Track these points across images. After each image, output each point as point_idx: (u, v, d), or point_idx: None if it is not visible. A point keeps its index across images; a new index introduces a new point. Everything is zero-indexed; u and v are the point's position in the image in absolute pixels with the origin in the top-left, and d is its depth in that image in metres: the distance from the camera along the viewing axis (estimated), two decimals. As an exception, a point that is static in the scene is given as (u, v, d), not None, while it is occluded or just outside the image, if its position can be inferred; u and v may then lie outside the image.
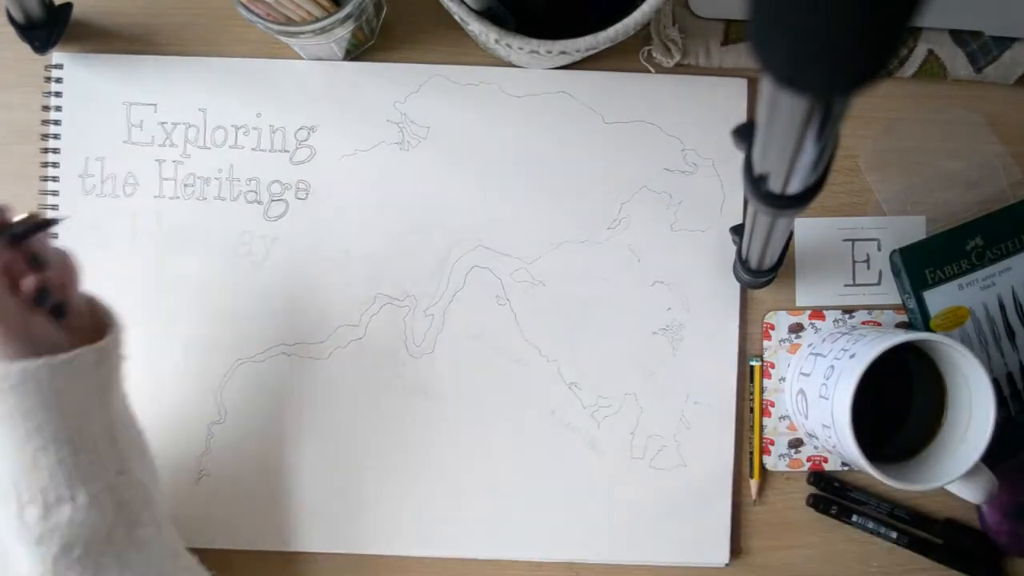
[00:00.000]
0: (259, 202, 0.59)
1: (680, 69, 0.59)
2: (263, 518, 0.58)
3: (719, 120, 0.59)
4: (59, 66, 0.59)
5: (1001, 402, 0.57)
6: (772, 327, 0.60)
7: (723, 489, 0.59)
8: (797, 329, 0.60)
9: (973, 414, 0.52)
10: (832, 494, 0.59)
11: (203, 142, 0.59)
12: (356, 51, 0.59)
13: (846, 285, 0.60)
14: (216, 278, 0.59)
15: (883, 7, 0.22)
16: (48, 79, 0.59)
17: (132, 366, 0.58)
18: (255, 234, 0.59)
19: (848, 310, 0.60)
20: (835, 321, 0.60)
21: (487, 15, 0.49)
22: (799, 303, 0.60)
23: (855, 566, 0.60)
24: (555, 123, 0.59)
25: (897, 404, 0.56)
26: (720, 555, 0.59)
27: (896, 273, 0.59)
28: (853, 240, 0.60)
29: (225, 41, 0.59)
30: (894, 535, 0.59)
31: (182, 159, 0.59)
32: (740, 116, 0.60)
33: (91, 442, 0.47)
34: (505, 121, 0.59)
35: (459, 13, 0.48)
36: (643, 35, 0.58)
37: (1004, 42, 0.58)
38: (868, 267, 0.60)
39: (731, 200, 0.59)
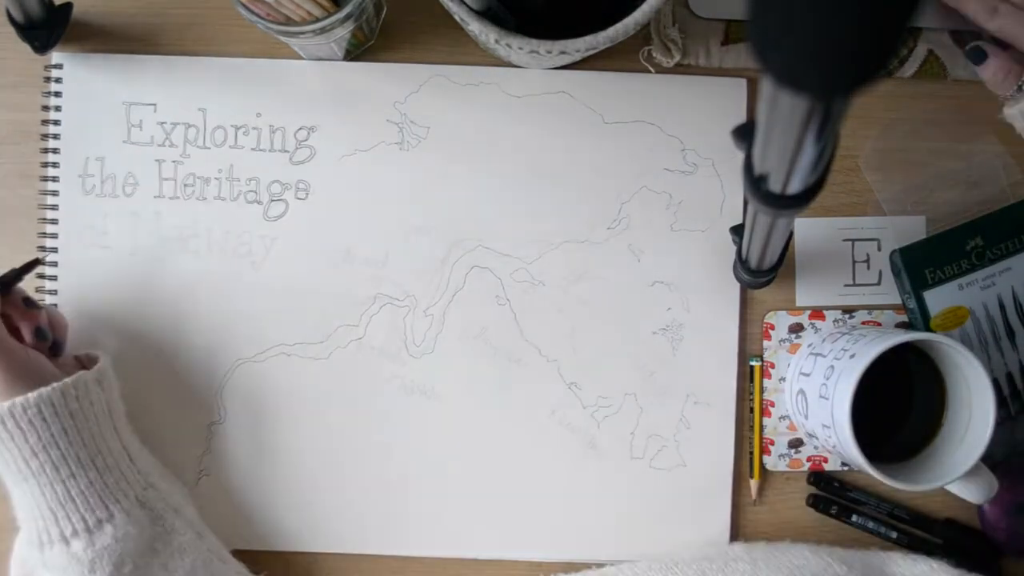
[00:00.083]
0: (259, 202, 0.59)
1: (680, 69, 0.59)
2: (263, 518, 0.58)
3: (719, 120, 0.59)
4: (59, 66, 0.59)
5: (1001, 402, 0.57)
6: (772, 327, 0.60)
7: (723, 489, 0.59)
8: (797, 329, 0.60)
9: (973, 414, 0.52)
10: (832, 494, 0.59)
11: (203, 142, 0.59)
12: (356, 51, 0.59)
13: (846, 285, 0.60)
14: (216, 278, 0.59)
15: (883, 7, 0.22)
16: (48, 79, 0.59)
17: (132, 366, 0.58)
18: (255, 234, 0.59)
19: (848, 310, 0.60)
20: (835, 321, 0.60)
21: (487, 15, 0.49)
22: (799, 303, 0.60)
23: (855, 566, 0.60)
24: (555, 123, 0.59)
25: (897, 404, 0.56)
26: (720, 555, 0.59)
27: (896, 273, 0.59)
28: (853, 240, 0.60)
29: (225, 41, 0.59)
30: (894, 535, 0.59)
31: (182, 159, 0.59)
32: (740, 116, 0.60)
33: (113, 461, 0.51)
34: (505, 121, 0.59)
35: (459, 13, 0.48)
36: (643, 35, 0.58)
37: (1004, 42, 0.58)
38: (868, 267, 0.60)
39: (731, 200, 0.59)
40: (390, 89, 0.59)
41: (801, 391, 0.57)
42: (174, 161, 0.59)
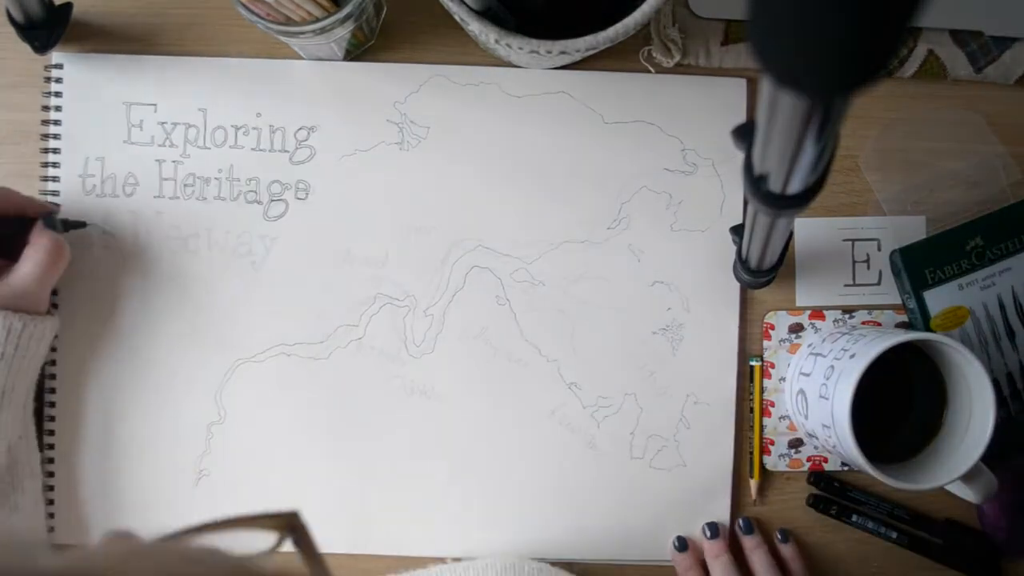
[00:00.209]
0: (259, 202, 0.59)
1: (680, 69, 0.59)
2: (263, 518, 0.58)
3: (719, 120, 0.59)
4: (59, 66, 0.59)
5: (1001, 402, 0.57)
6: (772, 327, 0.60)
7: (723, 489, 0.59)
8: (797, 329, 0.60)
9: (973, 414, 0.52)
10: (832, 494, 0.59)
11: (203, 142, 0.59)
12: (356, 51, 0.59)
13: (846, 285, 0.60)
14: (216, 278, 0.59)
15: (883, 7, 0.22)
16: (48, 79, 0.59)
17: (132, 366, 0.58)
18: (255, 234, 0.59)
19: (848, 310, 0.60)
20: (835, 321, 0.60)
21: (487, 15, 0.49)
22: (799, 303, 0.60)
23: (855, 566, 0.60)
24: (555, 123, 0.59)
25: (897, 404, 0.56)
26: (720, 555, 0.59)
27: (896, 273, 0.59)
28: (853, 240, 0.60)
29: (225, 41, 0.59)
30: (894, 535, 0.59)
31: (182, 159, 0.59)
32: (740, 116, 0.60)
33: (19, 401, 0.53)
34: (505, 121, 0.59)
35: (459, 13, 0.48)
36: (643, 35, 0.58)
37: (1004, 42, 0.58)
38: (868, 267, 0.60)
39: (731, 200, 0.59)
40: (390, 89, 0.59)
41: (801, 391, 0.57)
42: (174, 161, 0.59)
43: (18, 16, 0.55)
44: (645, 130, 0.59)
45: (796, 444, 0.59)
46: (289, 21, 0.49)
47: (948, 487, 0.52)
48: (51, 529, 0.58)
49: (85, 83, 0.59)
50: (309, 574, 0.28)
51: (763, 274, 0.54)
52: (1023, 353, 0.59)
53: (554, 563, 0.58)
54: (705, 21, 0.59)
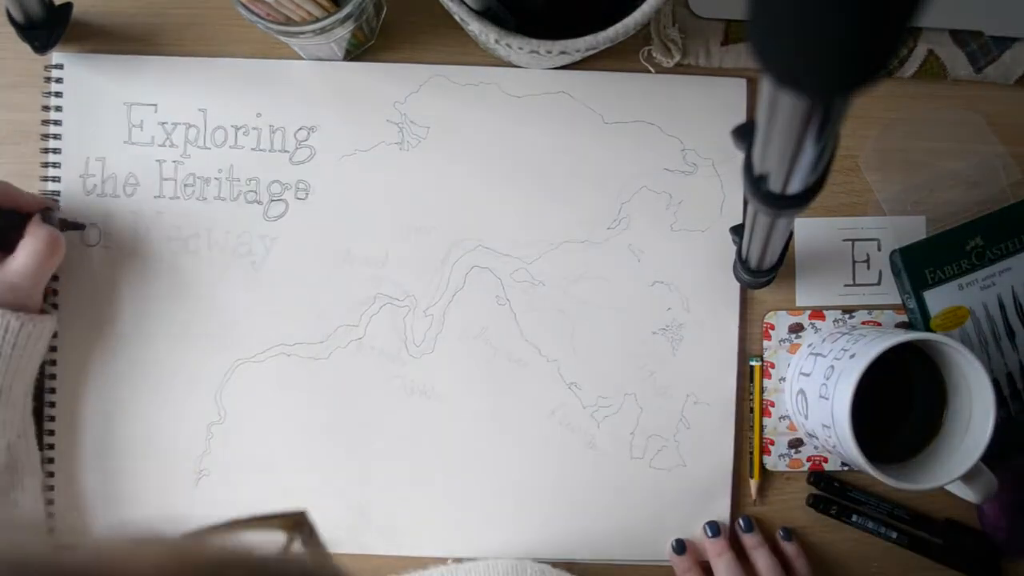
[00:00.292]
0: (259, 202, 0.59)
1: (680, 69, 0.59)
2: (263, 518, 0.58)
3: (719, 120, 0.59)
4: (59, 66, 0.59)
5: (1001, 402, 0.57)
6: (772, 327, 0.60)
7: (723, 489, 0.59)
8: (797, 329, 0.60)
9: (973, 414, 0.52)
10: (832, 494, 0.59)
11: (203, 142, 0.59)
12: (356, 51, 0.59)
13: (846, 285, 0.60)
14: (216, 278, 0.59)
15: (883, 7, 0.22)
16: (48, 79, 0.59)
17: (132, 366, 0.58)
18: (255, 234, 0.59)
19: (848, 310, 0.60)
20: (835, 321, 0.60)
21: (487, 15, 0.49)
22: (799, 303, 0.60)
23: (855, 566, 0.60)
24: (555, 123, 0.59)
25: (897, 404, 0.56)
26: (720, 555, 0.59)
27: (896, 273, 0.59)
28: (853, 240, 0.60)
29: (225, 41, 0.59)
30: (894, 535, 0.59)
31: (182, 159, 0.59)
32: (740, 116, 0.60)
33: (17, 400, 0.53)
34: (505, 121, 0.59)
35: (459, 13, 0.48)
36: (643, 35, 0.58)
37: (1004, 42, 0.58)
38: (868, 267, 0.60)
39: (731, 200, 0.59)
40: (390, 89, 0.59)
41: (801, 391, 0.57)
42: (175, 161, 0.59)
43: (18, 16, 0.55)
44: (645, 130, 0.59)
45: (796, 444, 0.59)
46: (289, 21, 0.49)
47: (948, 487, 0.52)
48: (51, 529, 0.58)
49: (85, 83, 0.59)
50: (320, 573, 0.29)
51: (763, 274, 0.54)
52: (1023, 353, 0.59)
53: (554, 563, 0.58)
54: (705, 21, 0.59)
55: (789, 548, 0.58)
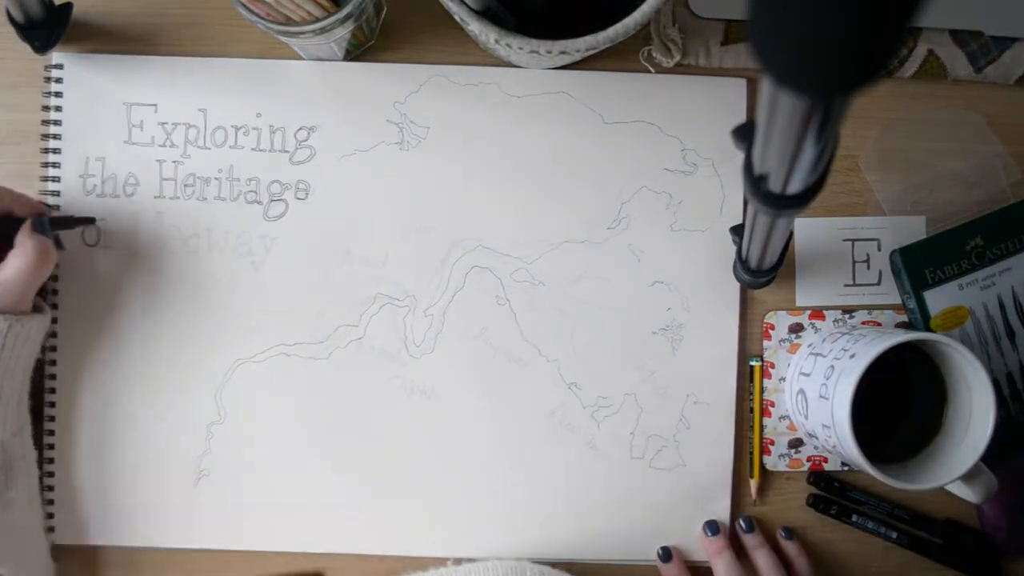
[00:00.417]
0: (259, 202, 0.59)
1: (680, 69, 0.59)
2: (263, 518, 0.58)
3: (719, 120, 0.59)
4: (59, 66, 0.59)
5: (1001, 402, 0.57)
6: (772, 327, 0.60)
7: (723, 489, 0.59)
8: (797, 329, 0.60)
9: (973, 414, 0.52)
10: (832, 494, 0.59)
11: (203, 142, 0.59)
12: (356, 51, 0.59)
13: (846, 285, 0.60)
14: (216, 278, 0.59)
15: (883, 7, 0.22)
16: (48, 79, 0.59)
17: (132, 366, 0.58)
18: (255, 234, 0.59)
19: (848, 310, 0.60)
20: (835, 321, 0.60)
21: (487, 15, 0.49)
22: (799, 303, 0.60)
23: (855, 566, 0.60)
24: (555, 123, 0.59)
25: (897, 404, 0.56)
26: (720, 555, 0.59)
27: (896, 273, 0.59)
28: (853, 240, 0.60)
29: (225, 41, 0.59)
30: (894, 535, 0.59)
31: (182, 159, 0.59)
32: (740, 116, 0.60)
33: (10, 399, 0.53)
34: (505, 121, 0.59)
35: (459, 13, 0.48)
36: (643, 35, 0.58)
37: (1004, 42, 0.58)
38: (868, 267, 0.60)
39: (731, 200, 0.59)
40: (390, 89, 0.59)
41: (801, 391, 0.57)
42: (175, 161, 0.59)
43: (18, 16, 0.55)
44: (645, 130, 0.59)
45: (796, 444, 0.59)
46: (289, 21, 0.49)
47: (948, 487, 0.52)
48: (51, 529, 0.58)
49: (85, 83, 0.59)
50: None
51: (763, 274, 0.54)
52: (1023, 353, 0.59)
53: (554, 564, 0.58)
54: (705, 21, 0.59)
55: (790, 547, 0.58)
